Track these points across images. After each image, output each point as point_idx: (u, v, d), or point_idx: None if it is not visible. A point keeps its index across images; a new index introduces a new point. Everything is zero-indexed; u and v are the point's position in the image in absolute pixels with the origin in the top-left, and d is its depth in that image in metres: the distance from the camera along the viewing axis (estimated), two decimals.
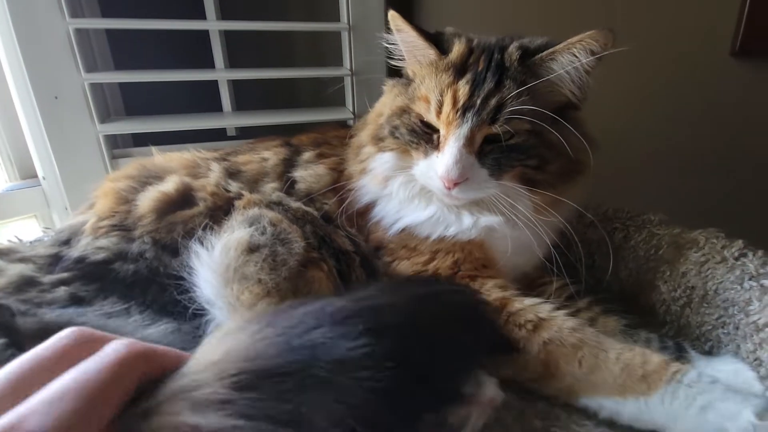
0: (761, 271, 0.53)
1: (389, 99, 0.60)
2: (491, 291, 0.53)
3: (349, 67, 0.92)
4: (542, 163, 0.52)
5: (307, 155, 0.63)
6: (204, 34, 0.88)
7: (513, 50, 0.52)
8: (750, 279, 0.53)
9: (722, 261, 0.57)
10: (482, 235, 0.56)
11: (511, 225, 0.54)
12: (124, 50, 0.91)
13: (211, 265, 0.45)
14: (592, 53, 0.49)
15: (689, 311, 0.60)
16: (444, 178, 0.50)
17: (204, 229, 0.48)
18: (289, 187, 0.59)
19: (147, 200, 0.52)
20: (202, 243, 0.47)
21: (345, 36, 0.91)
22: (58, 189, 0.83)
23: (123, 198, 0.53)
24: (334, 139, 0.68)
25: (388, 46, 0.58)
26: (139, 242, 0.49)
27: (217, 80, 0.91)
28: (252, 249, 0.46)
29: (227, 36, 0.91)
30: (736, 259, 0.56)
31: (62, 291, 0.46)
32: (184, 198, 0.53)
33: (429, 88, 0.53)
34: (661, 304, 0.63)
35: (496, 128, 0.50)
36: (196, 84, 0.91)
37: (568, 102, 0.53)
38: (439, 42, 0.55)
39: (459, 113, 0.50)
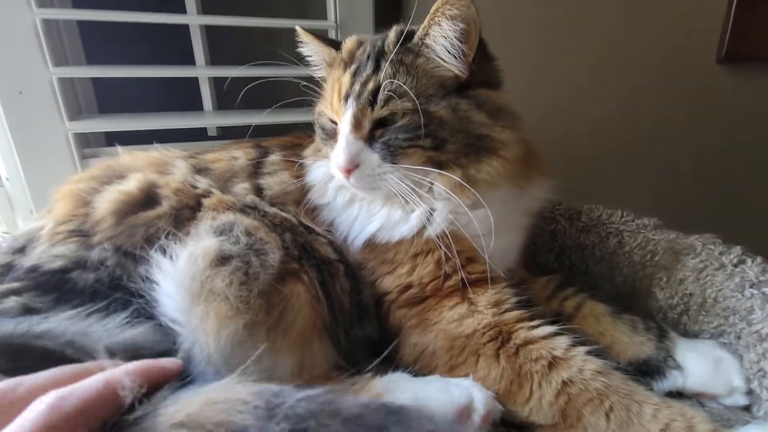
0: (761, 278, 0.52)
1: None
2: (486, 311, 0.49)
3: None
4: (439, 143, 0.50)
5: (273, 158, 0.61)
6: (185, 29, 0.84)
7: (391, 34, 0.52)
8: (751, 287, 0.51)
9: (721, 267, 0.55)
10: (448, 224, 0.52)
11: (465, 204, 0.50)
12: (98, 44, 0.87)
13: (175, 277, 0.39)
14: (453, 18, 0.47)
15: (687, 319, 0.58)
16: (336, 165, 0.50)
17: (167, 235, 0.43)
18: (259, 193, 0.56)
19: (105, 202, 0.47)
20: (164, 252, 0.42)
21: (332, 34, 0.88)
22: (22, 191, 0.78)
23: (82, 200, 0.49)
24: (302, 148, 0.65)
25: (307, 58, 0.61)
26: (99, 249, 0.44)
27: (197, 78, 0.87)
28: (222, 260, 0.41)
29: (209, 32, 0.87)
30: (735, 265, 0.55)
31: (12, 301, 0.42)
32: (147, 197, 0.49)
33: (328, 86, 0.56)
34: (658, 312, 0.61)
35: (378, 111, 0.50)
36: (176, 82, 0.87)
37: (457, 77, 0.51)
38: (339, 46, 0.57)
39: (342, 101, 0.51)
